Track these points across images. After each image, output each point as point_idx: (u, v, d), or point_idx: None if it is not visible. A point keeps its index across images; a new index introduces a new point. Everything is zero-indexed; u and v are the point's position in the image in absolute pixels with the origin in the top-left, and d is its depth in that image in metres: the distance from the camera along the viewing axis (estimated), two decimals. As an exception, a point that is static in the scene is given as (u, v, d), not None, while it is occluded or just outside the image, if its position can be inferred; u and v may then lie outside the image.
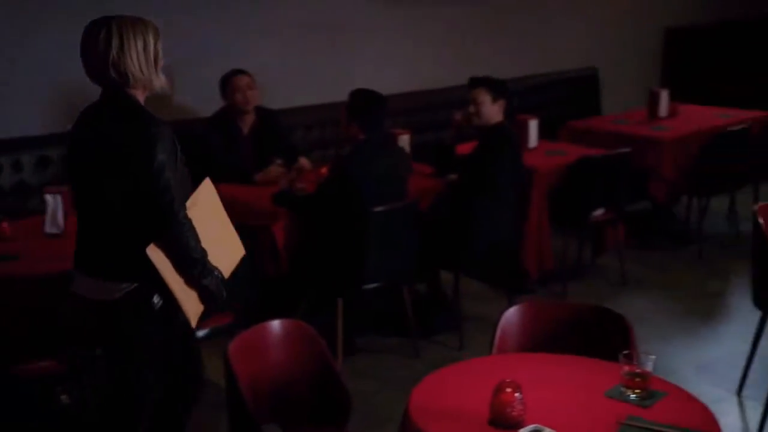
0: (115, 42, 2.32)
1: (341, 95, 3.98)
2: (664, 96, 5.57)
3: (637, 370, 2.12)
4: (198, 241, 2.38)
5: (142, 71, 2.36)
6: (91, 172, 2.39)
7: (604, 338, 2.50)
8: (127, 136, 2.32)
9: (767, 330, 3.43)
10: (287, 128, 4.71)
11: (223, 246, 2.52)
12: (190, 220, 2.37)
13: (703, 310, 4.47)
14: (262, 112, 4.46)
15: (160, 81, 2.42)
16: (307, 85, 5.15)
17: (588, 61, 6.70)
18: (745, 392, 3.57)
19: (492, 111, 4.13)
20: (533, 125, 4.84)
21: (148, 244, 2.31)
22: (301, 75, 5.14)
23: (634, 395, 2.11)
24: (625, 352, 2.17)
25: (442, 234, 4.09)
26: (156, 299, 2.39)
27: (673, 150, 5.12)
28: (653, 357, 2.15)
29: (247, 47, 4.81)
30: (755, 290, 3.45)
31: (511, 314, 2.56)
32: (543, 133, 5.01)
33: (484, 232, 4.05)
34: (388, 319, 4.22)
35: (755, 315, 3.47)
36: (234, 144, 4.36)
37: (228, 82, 4.35)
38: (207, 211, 2.48)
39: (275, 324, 2.62)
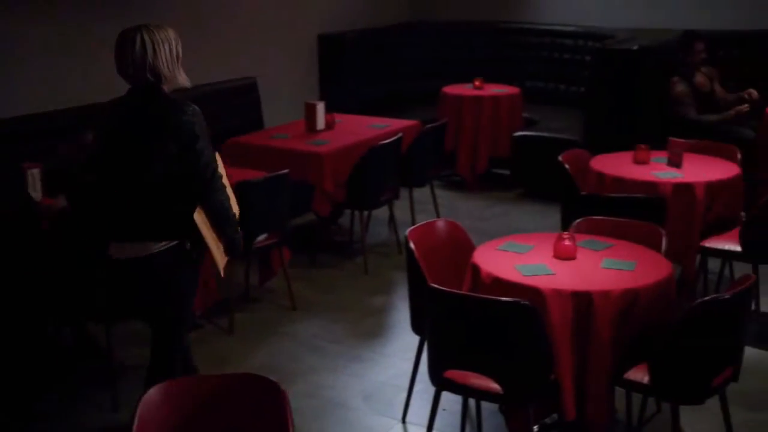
0: (149, 49, 2.90)
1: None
2: (320, 109, 5.58)
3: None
4: (230, 203, 3.06)
5: (169, 70, 2.95)
6: (139, 154, 2.90)
7: (258, 410, 2.31)
8: (171, 122, 2.87)
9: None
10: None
11: (233, 205, 3.14)
12: (224, 186, 3.02)
13: (369, 331, 4.52)
14: None
15: (182, 77, 3.02)
16: None
17: (246, 71, 6.54)
18: (409, 418, 3.63)
19: None
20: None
21: (187, 208, 2.93)
22: None
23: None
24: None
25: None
26: (194, 253, 3.02)
27: (332, 163, 5.13)
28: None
29: None
30: (413, 317, 3.52)
31: (151, 398, 2.27)
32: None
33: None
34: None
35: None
36: None
37: None
38: (226, 180, 3.08)
39: None
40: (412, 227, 3.54)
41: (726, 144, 4.93)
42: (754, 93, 6.05)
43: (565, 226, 4.44)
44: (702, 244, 4.35)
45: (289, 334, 4.41)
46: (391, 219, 5.73)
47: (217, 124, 5.60)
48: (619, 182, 4.39)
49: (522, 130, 6.78)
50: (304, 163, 5.08)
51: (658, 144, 4.77)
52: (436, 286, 3.01)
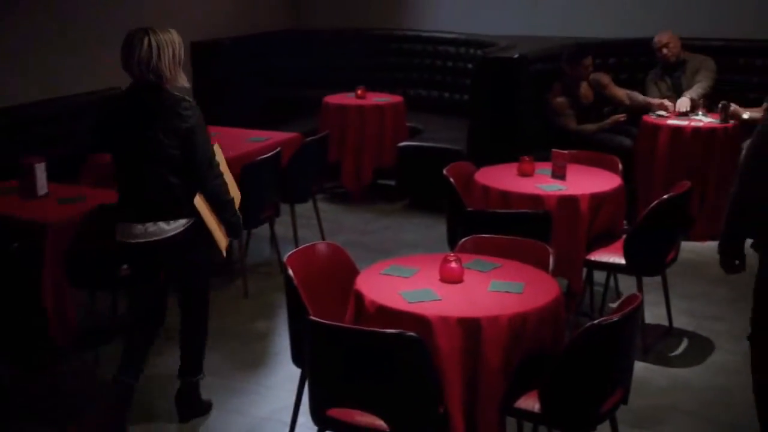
0: (154, 51, 3.23)
1: None
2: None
3: None
4: (227, 189, 3.47)
5: (171, 72, 3.29)
6: (141, 143, 3.30)
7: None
8: (169, 115, 3.27)
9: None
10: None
11: (233, 191, 3.58)
12: (222, 173, 3.44)
13: (250, 360, 4.30)
14: None
15: (182, 78, 3.36)
16: None
17: (112, 81, 6.17)
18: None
19: None
20: (40, 169, 4.20)
21: (188, 192, 3.35)
22: None
23: None
24: None
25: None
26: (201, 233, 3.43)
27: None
28: None
29: None
30: (293, 348, 3.34)
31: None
32: (58, 174, 4.41)
33: None
34: None
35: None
36: None
37: None
38: (224, 167, 3.52)
39: None
40: (290, 252, 3.37)
41: (608, 154, 4.98)
42: (669, 105, 6.11)
43: (452, 242, 4.40)
44: (588, 257, 4.35)
45: (159, 366, 4.12)
46: (273, 237, 5.52)
47: (70, 144, 5.14)
48: (505, 196, 4.34)
49: (407, 140, 6.71)
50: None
51: (544, 153, 4.77)
52: (315, 318, 2.84)
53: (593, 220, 4.36)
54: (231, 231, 3.60)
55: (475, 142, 6.24)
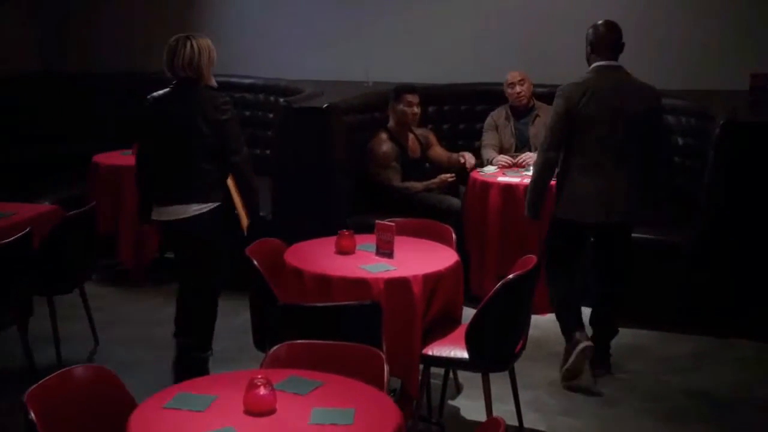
0: (196, 52, 4.11)
1: None
2: None
3: None
4: (254, 176, 4.27)
5: (207, 71, 4.16)
6: (182, 132, 4.12)
7: None
8: (207, 107, 4.10)
9: None
10: None
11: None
12: (250, 162, 4.26)
13: None
14: None
15: (213, 79, 4.22)
16: None
17: None
18: None
19: None
20: None
21: (221, 174, 4.17)
22: None
23: None
24: None
25: None
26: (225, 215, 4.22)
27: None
28: None
29: None
30: None
31: None
32: None
33: None
34: None
35: None
36: None
37: None
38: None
39: None
40: (31, 389, 2.56)
41: (439, 223, 4.52)
42: (469, 158, 5.78)
43: (260, 344, 3.78)
44: (424, 351, 3.80)
45: None
46: (25, 344, 4.40)
47: None
48: (323, 282, 3.76)
49: None
50: None
51: (363, 218, 4.54)
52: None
53: (428, 306, 3.86)
54: (253, 212, 4.30)
55: (282, 207, 5.71)
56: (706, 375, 4.65)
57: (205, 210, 4.10)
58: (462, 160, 5.83)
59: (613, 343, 4.71)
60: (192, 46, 4.09)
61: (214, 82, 4.21)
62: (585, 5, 6.27)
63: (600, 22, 4.47)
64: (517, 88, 5.93)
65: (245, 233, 4.26)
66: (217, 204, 4.13)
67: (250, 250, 3.88)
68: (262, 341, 3.75)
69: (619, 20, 4.51)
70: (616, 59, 4.44)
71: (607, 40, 4.41)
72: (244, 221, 4.26)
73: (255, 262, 3.79)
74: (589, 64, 4.47)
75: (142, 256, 5.97)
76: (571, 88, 4.38)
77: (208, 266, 4.23)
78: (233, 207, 4.20)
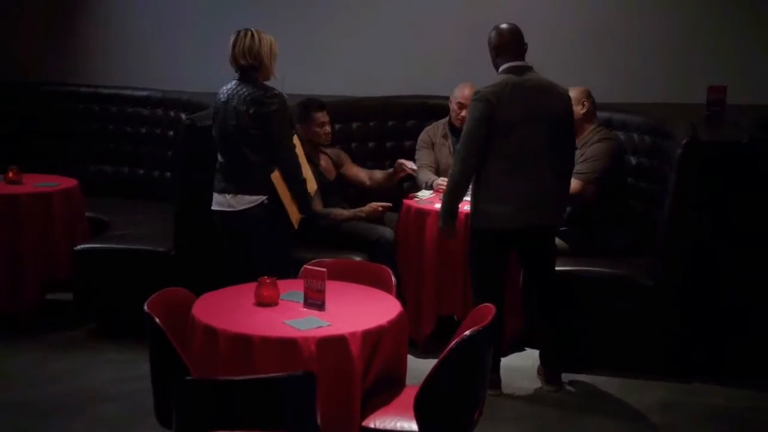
0: (255, 41, 4.47)
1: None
2: None
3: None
4: (301, 169, 4.57)
5: (268, 61, 4.52)
6: (240, 123, 4.45)
7: None
8: (258, 100, 4.42)
9: None
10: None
11: (306, 174, 4.69)
12: (297, 155, 4.58)
13: None
14: None
15: (274, 71, 4.58)
16: None
17: None
18: None
19: None
20: None
21: (268, 167, 4.45)
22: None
23: None
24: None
25: None
26: (274, 208, 4.51)
27: None
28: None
29: None
30: None
31: None
32: None
33: None
34: None
35: None
36: None
37: None
38: (300, 154, 4.71)
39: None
40: None
41: (374, 264, 4.19)
42: (408, 164, 5.36)
43: (166, 423, 3.24)
44: (365, 424, 3.35)
45: None
46: None
47: None
48: (242, 343, 3.28)
49: (87, 241, 5.63)
50: None
51: None
52: None
53: (368, 367, 3.41)
54: (302, 206, 4.58)
55: (184, 240, 5.28)
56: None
57: (253, 205, 4.42)
58: (402, 173, 5.43)
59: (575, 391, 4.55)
60: (253, 36, 4.47)
61: (275, 74, 4.54)
62: (514, 16, 5.95)
63: (500, 25, 4.53)
64: (464, 112, 5.50)
65: (296, 227, 4.58)
66: (265, 197, 4.42)
67: (151, 303, 3.37)
68: (167, 419, 3.21)
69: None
70: (523, 60, 4.48)
71: (513, 42, 4.48)
72: (295, 215, 4.53)
73: (157, 320, 3.27)
74: (498, 68, 4.48)
75: (19, 302, 5.45)
76: (490, 91, 4.36)
77: (266, 262, 4.41)
78: (280, 202, 4.44)
